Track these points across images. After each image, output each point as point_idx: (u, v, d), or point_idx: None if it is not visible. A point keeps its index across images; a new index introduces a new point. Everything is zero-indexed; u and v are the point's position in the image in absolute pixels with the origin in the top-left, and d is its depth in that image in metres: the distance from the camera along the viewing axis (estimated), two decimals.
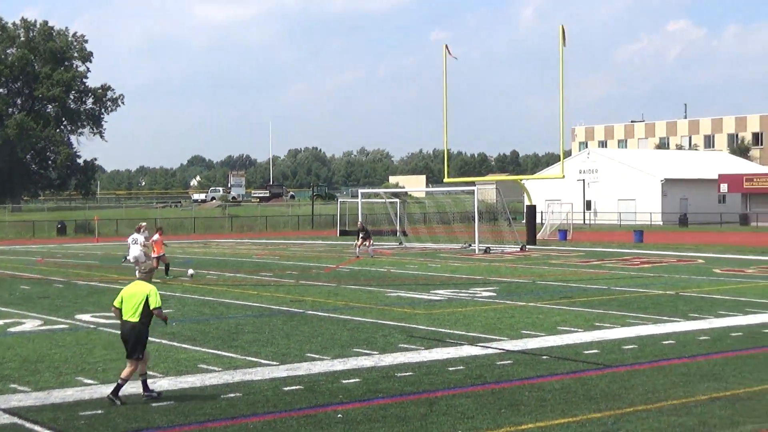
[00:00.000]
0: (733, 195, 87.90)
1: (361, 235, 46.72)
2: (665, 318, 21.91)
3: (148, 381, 13.92)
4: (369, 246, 46.27)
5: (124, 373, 13.51)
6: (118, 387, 13.43)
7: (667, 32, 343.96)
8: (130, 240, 34.54)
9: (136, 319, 13.56)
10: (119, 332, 13.99)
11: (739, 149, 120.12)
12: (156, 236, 34.69)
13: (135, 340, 13.55)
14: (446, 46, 57.15)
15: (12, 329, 20.93)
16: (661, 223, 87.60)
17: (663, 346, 17.94)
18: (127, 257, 34.98)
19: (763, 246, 50.79)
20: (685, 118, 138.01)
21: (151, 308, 13.60)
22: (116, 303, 13.84)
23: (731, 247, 50.00)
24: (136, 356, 13.55)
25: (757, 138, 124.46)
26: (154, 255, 33.80)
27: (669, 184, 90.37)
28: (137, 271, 14.40)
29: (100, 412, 12.84)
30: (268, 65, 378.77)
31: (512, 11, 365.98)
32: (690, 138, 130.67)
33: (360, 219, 54.56)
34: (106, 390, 13.97)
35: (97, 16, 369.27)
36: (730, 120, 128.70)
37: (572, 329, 20.16)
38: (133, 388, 13.78)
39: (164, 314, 14.04)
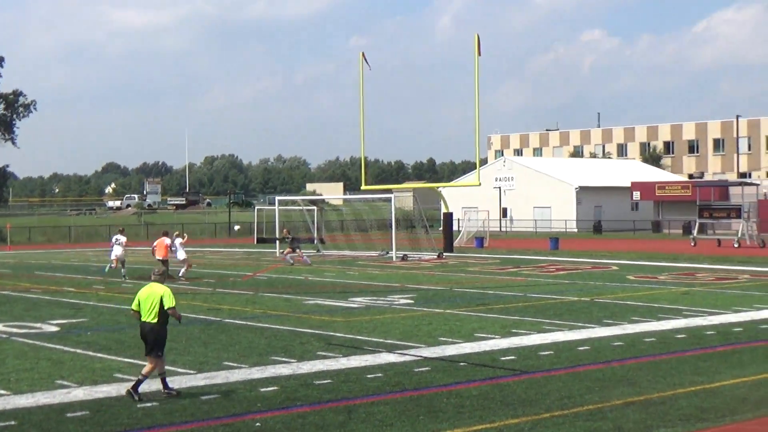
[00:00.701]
0: (646, 203, 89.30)
1: (288, 243, 46.37)
2: (581, 324, 22.20)
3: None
4: (302, 254, 45.90)
5: (145, 370, 14.27)
6: (138, 383, 14.09)
7: (581, 42, 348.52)
8: (113, 240, 39.21)
9: (154, 319, 14.39)
10: (137, 332, 14.69)
11: (651, 158, 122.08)
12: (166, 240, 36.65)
13: (154, 339, 14.37)
14: (363, 54, 57.31)
15: None
16: (576, 230, 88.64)
17: (578, 352, 18.18)
18: (111, 265, 38.69)
19: (675, 253, 51.72)
20: (599, 126, 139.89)
21: (166, 308, 14.40)
22: (134, 306, 14.70)
23: (644, 254, 50.82)
24: (155, 354, 14.32)
25: (668, 147, 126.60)
26: (160, 257, 35.56)
27: (583, 191, 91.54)
28: (152, 274, 15.17)
29: (13, 423, 12.62)
30: (185, 72, 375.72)
31: (429, 19, 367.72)
32: (603, 146, 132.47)
33: (283, 227, 54.00)
34: (20, 401, 13.75)
35: (10, 20, 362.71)
36: (642, 129, 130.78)
37: (489, 336, 20.32)
38: (140, 385, 13.56)
39: (178, 313, 14.84)
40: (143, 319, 14.48)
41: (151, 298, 14.47)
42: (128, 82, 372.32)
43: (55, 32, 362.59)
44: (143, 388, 14.13)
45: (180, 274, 36.37)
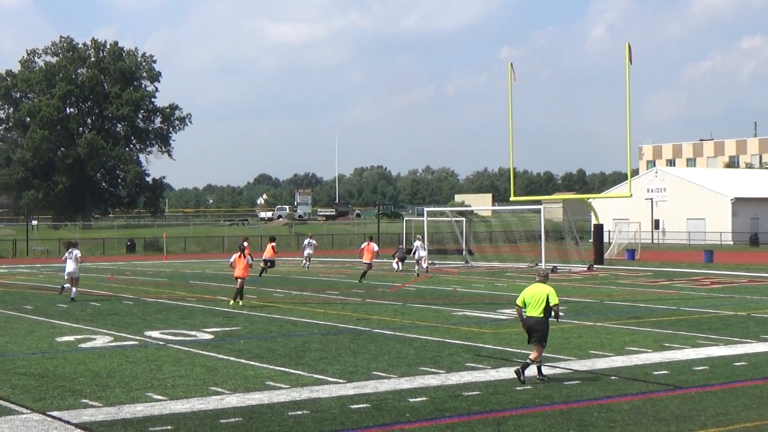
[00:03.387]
0: None
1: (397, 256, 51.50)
2: (737, 339, 21.58)
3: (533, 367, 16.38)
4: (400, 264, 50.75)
5: (533, 356, 16.23)
6: (526, 366, 16.09)
7: (741, 49, 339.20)
8: (66, 254, 33.17)
9: (540, 314, 16.34)
10: (520, 326, 16.67)
11: None
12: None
13: (541, 330, 16.36)
14: (511, 65, 57.10)
15: (83, 345, 21.19)
16: (731, 242, 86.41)
17: (735, 368, 17.67)
18: (65, 286, 33.48)
19: None
20: (755, 136, 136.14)
21: (551, 305, 16.37)
22: (519, 302, 16.80)
23: None
24: (540, 343, 16.26)
25: None
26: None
27: (739, 203, 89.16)
28: (537, 275, 17.21)
29: (169, 427, 12.92)
30: (337, 84, 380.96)
31: (582, 29, 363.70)
32: (760, 156, 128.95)
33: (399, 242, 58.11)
34: (176, 406, 14.10)
35: (167, 36, 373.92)
36: None
37: (641, 350, 19.93)
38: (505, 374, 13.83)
39: (560, 312, 17.06)
40: (528, 313, 16.48)
41: (538, 295, 16.41)
42: (280, 96, 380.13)
43: (211, 47, 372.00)
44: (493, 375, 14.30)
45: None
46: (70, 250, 33.20)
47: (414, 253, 49.68)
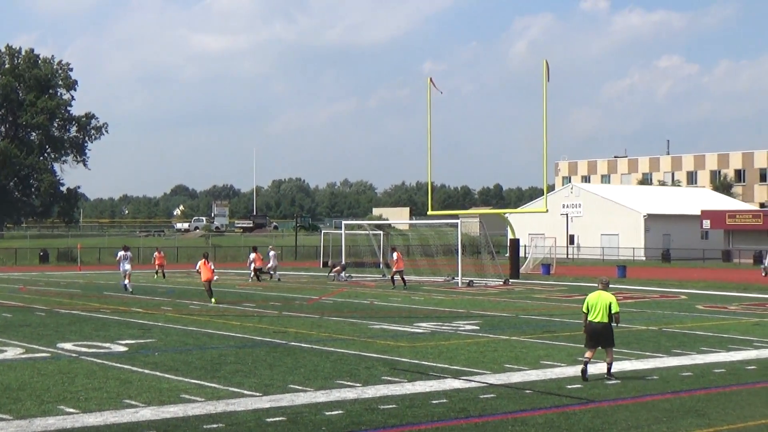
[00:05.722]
0: (716, 231, 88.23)
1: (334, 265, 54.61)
2: (648, 353, 21.95)
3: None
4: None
5: (608, 359, 18.25)
6: (585, 367, 17.96)
7: (659, 68, 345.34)
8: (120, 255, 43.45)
9: (605, 319, 18.06)
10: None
11: (722, 186, 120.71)
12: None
13: (607, 334, 18.12)
14: (431, 79, 57.56)
15: None
16: (644, 258, 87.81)
17: (646, 382, 17.97)
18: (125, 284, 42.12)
19: (745, 282, 50.97)
20: (668, 154, 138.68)
21: (612, 312, 18.08)
22: (584, 309, 18.51)
23: (714, 284, 50.16)
24: (607, 347, 18.13)
25: (739, 175, 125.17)
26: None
27: (652, 219, 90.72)
28: (599, 283, 18.74)
29: None
30: (258, 96, 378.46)
31: (504, 45, 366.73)
32: (673, 174, 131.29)
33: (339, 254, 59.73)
34: (89, 419, 13.92)
35: (87, 43, 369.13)
36: (713, 157, 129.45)
37: (555, 363, 20.16)
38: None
39: (619, 319, 18.49)
40: (591, 319, 18.19)
41: (601, 302, 18.13)
42: (201, 106, 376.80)
43: (133, 56, 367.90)
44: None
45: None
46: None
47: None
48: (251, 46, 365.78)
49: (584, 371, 17.90)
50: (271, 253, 56.25)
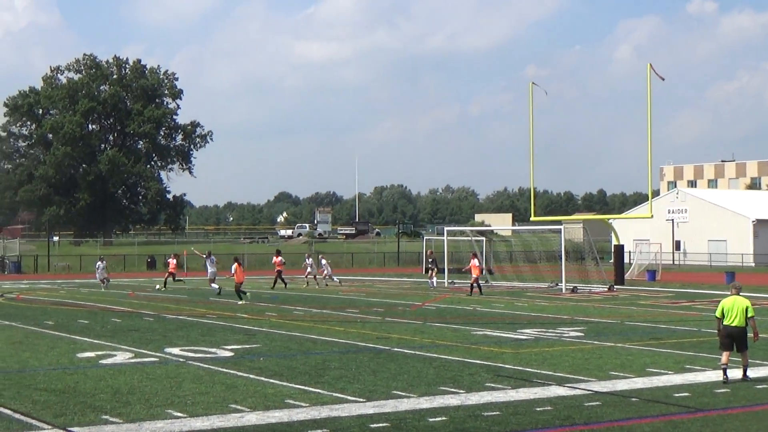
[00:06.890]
0: None
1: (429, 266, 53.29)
2: (759, 361, 21.43)
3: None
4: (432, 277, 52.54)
5: (744, 362, 18.59)
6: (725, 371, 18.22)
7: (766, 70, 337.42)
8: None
9: (742, 323, 18.43)
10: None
11: None
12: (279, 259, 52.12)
13: (742, 338, 18.49)
14: (532, 84, 57.16)
15: (104, 361, 21.26)
16: (753, 264, 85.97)
17: (757, 390, 17.56)
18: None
19: None
20: None
21: (748, 316, 18.42)
22: (717, 314, 18.79)
23: None
24: (742, 350, 18.51)
25: None
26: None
27: (761, 224, 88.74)
28: (732, 288, 19.24)
29: None
30: (360, 103, 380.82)
31: (608, 50, 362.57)
32: None
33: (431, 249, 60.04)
34: (196, 423, 14.11)
35: (192, 54, 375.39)
36: None
37: (662, 371, 19.83)
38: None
39: (756, 326, 18.67)
40: (727, 322, 18.51)
41: (737, 307, 18.47)
42: (303, 114, 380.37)
43: (237, 65, 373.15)
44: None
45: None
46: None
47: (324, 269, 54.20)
48: (354, 53, 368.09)
49: (725, 374, 18.16)
50: (323, 261, 55.51)
